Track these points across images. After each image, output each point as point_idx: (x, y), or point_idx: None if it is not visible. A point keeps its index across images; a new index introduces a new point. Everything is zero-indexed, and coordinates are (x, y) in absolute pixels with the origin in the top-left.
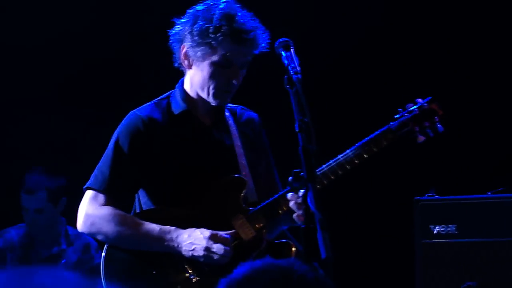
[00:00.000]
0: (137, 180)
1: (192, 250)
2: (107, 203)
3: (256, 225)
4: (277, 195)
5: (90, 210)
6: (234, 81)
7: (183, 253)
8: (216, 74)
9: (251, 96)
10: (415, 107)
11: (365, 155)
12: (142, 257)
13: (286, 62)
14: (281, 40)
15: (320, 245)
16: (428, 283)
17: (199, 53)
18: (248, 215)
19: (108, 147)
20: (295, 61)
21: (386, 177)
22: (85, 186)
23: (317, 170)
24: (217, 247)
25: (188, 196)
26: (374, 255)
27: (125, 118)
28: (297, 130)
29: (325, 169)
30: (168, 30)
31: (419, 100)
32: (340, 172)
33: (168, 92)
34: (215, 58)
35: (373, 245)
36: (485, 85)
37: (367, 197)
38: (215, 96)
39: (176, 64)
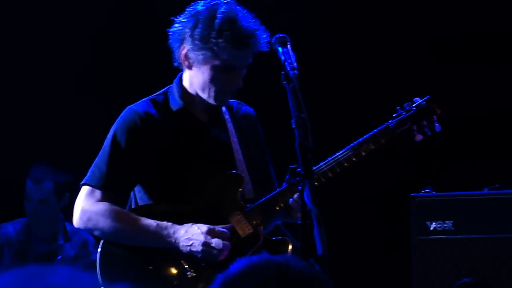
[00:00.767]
0: (134, 176)
1: (190, 245)
2: (103, 199)
3: (253, 222)
4: (274, 192)
5: (86, 206)
6: (235, 85)
7: (181, 248)
8: (218, 78)
9: (248, 92)
10: (413, 105)
11: (363, 153)
12: (138, 253)
13: (283, 58)
14: (278, 35)
15: (316, 241)
16: (425, 279)
17: (200, 57)
18: (245, 212)
19: (105, 142)
20: (292, 57)
21: (382, 174)
22: (81, 182)
23: (315, 168)
24: (216, 242)
25: (185, 192)
26: (371, 252)
27: (121, 114)
28: (293, 126)
29: (324, 167)
30: (167, 29)
31: (417, 99)
32: (338, 170)
33: (166, 88)
34: (216, 62)
35: (370, 241)
36: (481, 81)
37: (363, 194)
38: (216, 98)
39: (175, 64)
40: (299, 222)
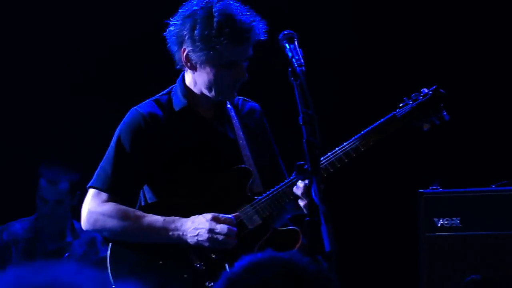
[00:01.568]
0: (140, 177)
1: (196, 235)
2: (110, 200)
3: (262, 213)
4: (283, 184)
5: (93, 208)
6: (241, 79)
7: (189, 240)
8: (223, 75)
9: (255, 88)
10: (420, 95)
11: (370, 143)
12: (147, 250)
13: (290, 54)
14: (285, 32)
15: (324, 238)
16: (432, 276)
17: (202, 57)
18: (254, 204)
19: (110, 145)
20: (299, 54)
21: (390, 170)
22: (88, 185)
23: (323, 158)
24: (221, 227)
25: (192, 188)
26: (378, 248)
27: (126, 116)
28: (301, 123)
29: (331, 157)
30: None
31: (424, 89)
32: (346, 160)
33: (169, 88)
34: (219, 61)
35: (377, 238)
36: (490, 77)
37: (371, 190)
38: (223, 95)
39: (178, 67)
40: (307, 219)
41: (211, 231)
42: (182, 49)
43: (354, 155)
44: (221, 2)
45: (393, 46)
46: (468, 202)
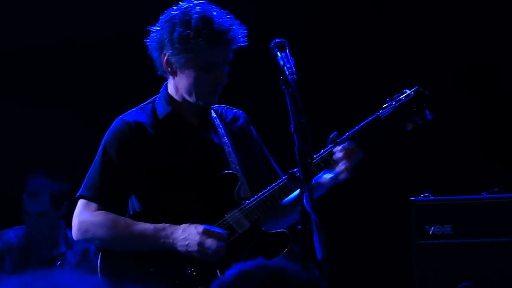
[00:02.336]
0: (128, 186)
1: (186, 245)
2: (99, 209)
3: (251, 217)
4: (270, 187)
5: (82, 218)
6: (221, 82)
7: (179, 248)
8: (202, 78)
9: (246, 96)
10: (402, 95)
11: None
12: (138, 257)
13: (281, 62)
14: (276, 40)
15: (316, 246)
16: (424, 283)
17: (181, 60)
18: (242, 208)
19: (97, 154)
20: (291, 62)
21: (381, 178)
22: (77, 195)
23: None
24: (210, 242)
25: (180, 195)
26: (370, 256)
27: (111, 125)
28: (292, 131)
29: (317, 159)
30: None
31: (406, 90)
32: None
33: (152, 98)
34: (198, 63)
35: (369, 245)
36: (481, 85)
37: (362, 198)
38: (204, 99)
39: (159, 73)
40: (299, 227)
41: (200, 244)
42: (162, 54)
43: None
44: (200, 5)
45: (379, 48)
46: (459, 209)
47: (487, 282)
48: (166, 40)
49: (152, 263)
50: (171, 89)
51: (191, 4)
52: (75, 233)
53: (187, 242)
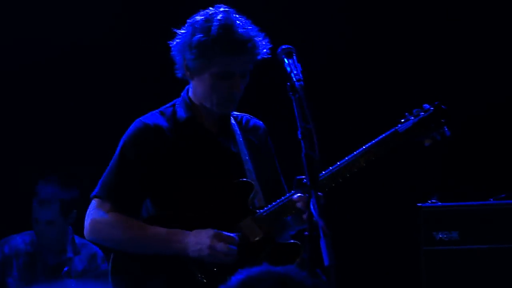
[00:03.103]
0: (143, 188)
1: (197, 250)
2: (113, 210)
3: (264, 227)
4: (284, 198)
5: (96, 217)
6: (235, 91)
7: (190, 254)
8: (217, 86)
9: (254, 102)
10: (422, 111)
11: (372, 158)
12: (149, 262)
13: (288, 69)
14: (283, 47)
15: (323, 252)
16: None
17: (198, 66)
18: (256, 217)
19: (115, 155)
20: (298, 68)
21: (389, 184)
22: (92, 195)
23: (324, 172)
24: (221, 246)
25: (195, 201)
26: (377, 262)
27: (131, 126)
28: (299, 137)
29: (333, 171)
30: (169, 42)
31: (426, 105)
32: (348, 174)
33: (173, 101)
34: (214, 70)
35: (376, 252)
36: (488, 91)
37: (370, 204)
38: (219, 106)
39: (179, 75)
40: (306, 233)
41: (211, 248)
42: (183, 57)
43: (356, 169)
44: (224, 13)
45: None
46: (466, 215)
47: None
48: (186, 44)
49: (163, 269)
50: (191, 94)
51: (216, 11)
52: (87, 232)
53: (199, 247)
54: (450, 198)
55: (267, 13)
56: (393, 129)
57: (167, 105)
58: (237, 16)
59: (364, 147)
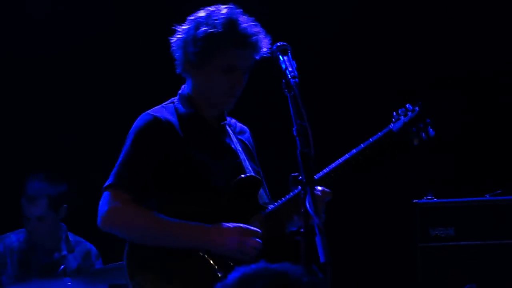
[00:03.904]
0: (155, 180)
1: (224, 245)
2: (131, 201)
3: (275, 223)
4: (292, 194)
5: (116, 207)
6: (237, 86)
7: (214, 248)
8: (220, 80)
9: (249, 100)
10: (408, 111)
11: (369, 156)
12: (165, 253)
13: (283, 66)
14: (278, 44)
15: (319, 249)
16: (428, 285)
17: (202, 59)
18: (267, 213)
19: (125, 146)
20: (293, 65)
21: (384, 180)
22: (105, 185)
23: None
24: (251, 241)
25: (205, 196)
26: (373, 259)
27: (139, 118)
28: (295, 134)
29: (330, 170)
30: (170, 38)
31: (409, 105)
32: (347, 171)
33: (170, 99)
34: (218, 63)
35: (372, 248)
36: (483, 88)
37: (365, 200)
38: (220, 101)
39: (178, 71)
40: (302, 230)
41: (241, 243)
42: (184, 52)
43: (354, 166)
44: (228, 9)
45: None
46: (462, 211)
47: (491, 284)
48: (190, 38)
49: (179, 262)
50: (190, 90)
51: (219, 7)
52: (105, 222)
53: (226, 242)
54: (445, 194)
55: (261, 10)
56: (388, 129)
57: (166, 102)
58: (240, 11)
59: (361, 146)
